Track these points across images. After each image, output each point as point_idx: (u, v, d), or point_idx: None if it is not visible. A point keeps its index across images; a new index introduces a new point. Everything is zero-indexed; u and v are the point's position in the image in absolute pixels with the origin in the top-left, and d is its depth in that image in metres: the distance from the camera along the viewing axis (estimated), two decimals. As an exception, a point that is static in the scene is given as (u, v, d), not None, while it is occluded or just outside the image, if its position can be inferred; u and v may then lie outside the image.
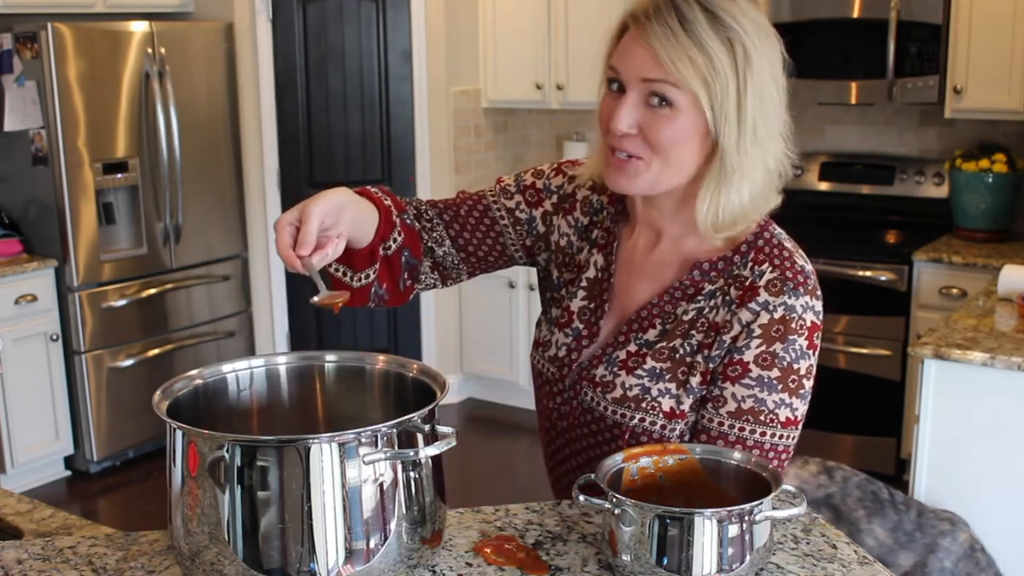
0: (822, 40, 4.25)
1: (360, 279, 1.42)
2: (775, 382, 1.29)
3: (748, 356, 1.30)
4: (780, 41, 1.33)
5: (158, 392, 1.15)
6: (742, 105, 1.26)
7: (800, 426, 1.33)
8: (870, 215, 4.49)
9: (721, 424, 1.31)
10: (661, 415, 1.34)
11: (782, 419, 1.30)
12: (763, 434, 1.30)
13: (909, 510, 2.69)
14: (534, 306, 4.73)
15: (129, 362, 4.39)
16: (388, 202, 1.43)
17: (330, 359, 1.29)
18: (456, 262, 1.53)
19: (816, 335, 1.32)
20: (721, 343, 1.32)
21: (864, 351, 4.03)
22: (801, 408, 1.32)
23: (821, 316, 1.33)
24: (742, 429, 1.30)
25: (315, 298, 1.22)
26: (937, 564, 2.59)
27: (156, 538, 1.27)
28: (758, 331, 1.30)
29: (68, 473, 4.39)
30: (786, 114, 1.34)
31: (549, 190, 1.51)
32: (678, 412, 1.34)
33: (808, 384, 1.32)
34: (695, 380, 1.34)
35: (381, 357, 1.30)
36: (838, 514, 2.74)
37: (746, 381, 1.30)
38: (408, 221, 1.47)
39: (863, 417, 4.08)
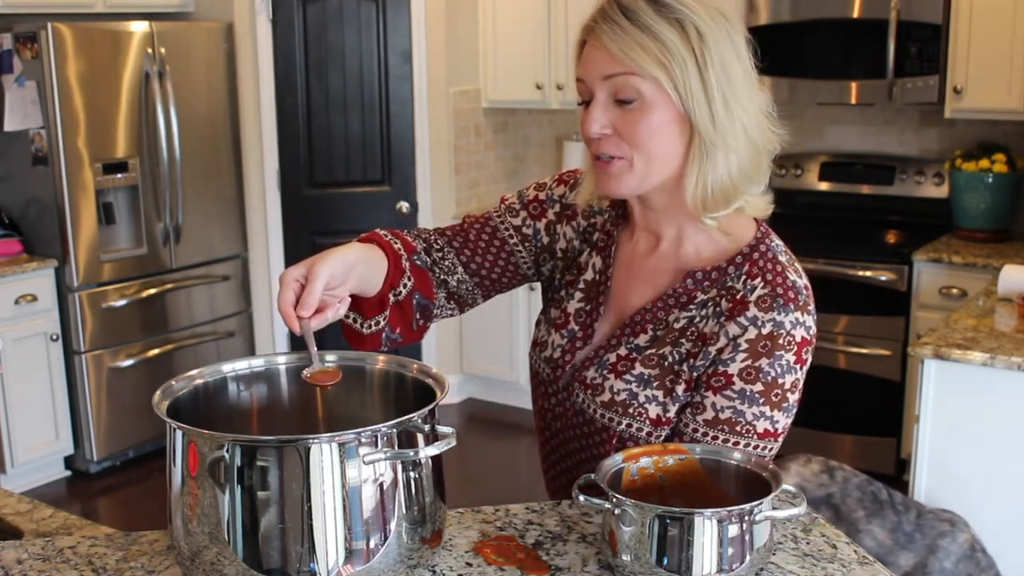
0: (822, 40, 4.25)
1: (370, 326, 1.42)
2: (757, 396, 1.29)
3: (733, 369, 1.30)
4: (736, 17, 1.33)
5: (158, 392, 1.15)
6: (706, 81, 1.27)
7: (780, 438, 1.33)
8: (870, 215, 4.49)
9: (695, 431, 1.31)
10: (648, 422, 1.34)
11: (759, 430, 1.30)
12: (735, 444, 1.29)
13: (908, 511, 2.69)
14: (534, 306, 4.73)
15: (129, 362, 4.39)
16: (398, 245, 1.44)
17: (330, 359, 1.29)
18: (470, 288, 1.54)
19: (805, 350, 1.31)
20: (707, 354, 1.32)
21: (864, 351, 4.03)
22: (783, 421, 1.32)
23: (813, 331, 1.32)
24: (715, 438, 1.30)
25: (306, 371, 1.22)
26: (937, 565, 2.59)
27: (156, 538, 1.27)
28: (744, 345, 1.29)
29: (68, 473, 4.39)
30: (760, 90, 1.34)
31: (552, 200, 1.52)
32: (664, 420, 1.34)
33: (793, 398, 1.32)
34: (680, 388, 1.33)
35: (381, 357, 1.30)
36: (838, 514, 2.74)
37: (728, 393, 1.30)
38: (419, 262, 1.48)
39: (863, 417, 4.08)
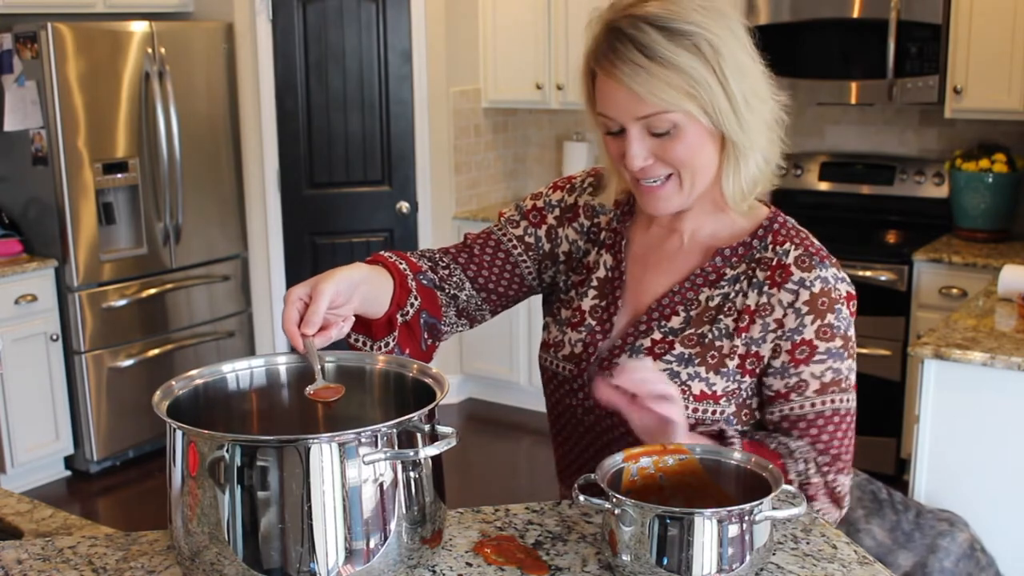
0: (822, 40, 4.25)
1: (380, 347, 1.43)
2: (841, 350, 1.35)
3: (808, 334, 1.34)
4: (730, 7, 1.36)
5: (158, 392, 1.15)
6: (729, 92, 1.30)
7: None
8: (870, 215, 4.49)
9: (813, 405, 1.36)
10: (691, 398, 1.36)
11: (853, 383, 1.38)
12: (847, 400, 1.37)
13: (908, 510, 2.69)
14: (534, 306, 4.73)
15: (129, 362, 4.39)
16: (403, 266, 1.45)
17: (330, 359, 1.29)
18: (479, 303, 1.56)
19: (852, 304, 1.38)
20: (765, 326, 1.36)
21: (864, 351, 4.02)
22: (855, 371, 1.39)
23: (852, 286, 1.39)
24: (832, 401, 1.36)
25: (309, 388, 1.20)
26: (937, 564, 2.59)
27: (156, 538, 1.27)
28: (805, 308, 1.34)
29: (68, 473, 4.39)
30: (763, 68, 1.36)
31: (550, 205, 1.55)
32: (709, 394, 1.36)
33: (855, 349, 1.39)
34: (733, 363, 1.36)
35: (381, 357, 1.30)
36: None
37: (818, 358, 1.35)
38: (424, 282, 1.48)
39: (863, 417, 4.03)
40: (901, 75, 4.03)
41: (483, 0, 4.95)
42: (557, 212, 1.54)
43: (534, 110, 5.27)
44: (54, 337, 4.20)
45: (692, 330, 1.38)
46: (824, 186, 4.58)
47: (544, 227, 1.54)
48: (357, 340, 1.43)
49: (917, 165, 4.40)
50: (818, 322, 1.34)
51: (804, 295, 1.34)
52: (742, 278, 1.38)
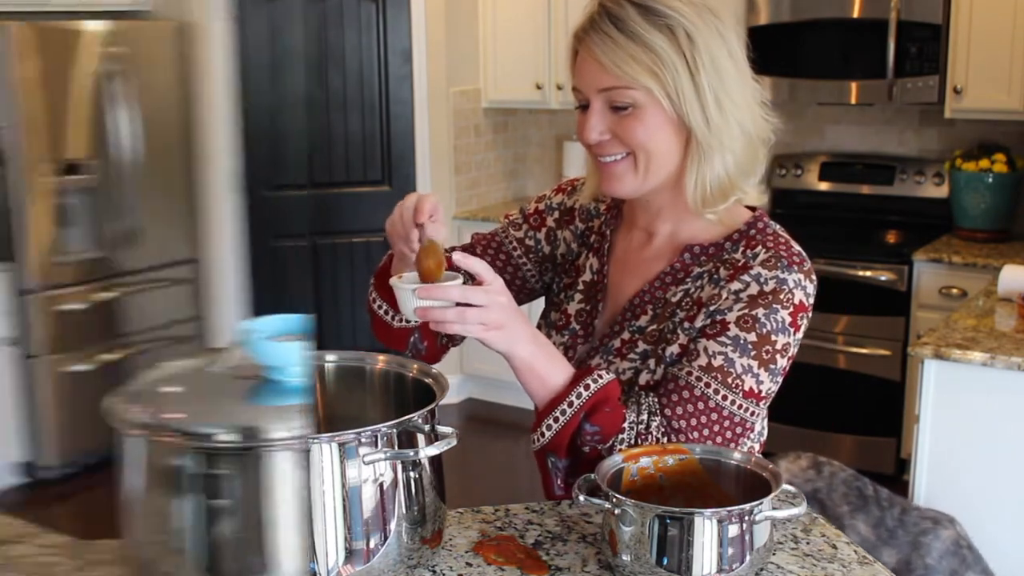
0: (822, 40, 4.25)
1: (404, 321, 1.46)
2: (749, 346, 1.29)
3: (730, 317, 1.31)
4: (726, 12, 1.36)
5: (109, 398, 1.13)
6: (698, 84, 1.29)
7: (763, 404, 1.33)
8: (870, 215, 4.49)
9: (690, 374, 1.30)
10: (636, 387, 1.36)
11: (745, 388, 1.30)
12: (724, 398, 1.29)
13: (893, 507, 2.70)
14: (535, 307, 4.72)
15: (86, 367, 4.23)
16: None
17: (330, 359, 1.29)
18: None
19: (801, 316, 1.32)
20: (707, 312, 1.33)
21: (864, 351, 4.03)
22: (768, 384, 1.31)
23: (811, 300, 1.34)
24: (708, 385, 1.29)
25: (424, 241, 1.33)
26: (920, 561, 2.60)
27: (112, 546, 1.24)
28: (745, 299, 1.31)
29: (23, 480, 4.23)
30: (753, 81, 1.36)
31: (551, 208, 1.56)
32: (652, 384, 1.36)
33: (781, 362, 1.32)
34: (672, 349, 1.34)
35: (381, 357, 1.30)
36: (823, 508, 2.75)
37: (722, 339, 1.30)
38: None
39: (863, 417, 4.08)
40: (901, 75, 4.03)
41: (483, 0, 4.95)
42: (557, 215, 1.55)
43: (534, 110, 5.27)
44: (8, 342, 4.06)
45: (655, 327, 1.38)
46: (824, 186, 4.58)
47: (544, 229, 1.55)
48: (380, 308, 1.46)
49: (917, 165, 4.40)
50: (746, 311, 1.30)
51: (754, 288, 1.31)
52: (705, 275, 1.37)
